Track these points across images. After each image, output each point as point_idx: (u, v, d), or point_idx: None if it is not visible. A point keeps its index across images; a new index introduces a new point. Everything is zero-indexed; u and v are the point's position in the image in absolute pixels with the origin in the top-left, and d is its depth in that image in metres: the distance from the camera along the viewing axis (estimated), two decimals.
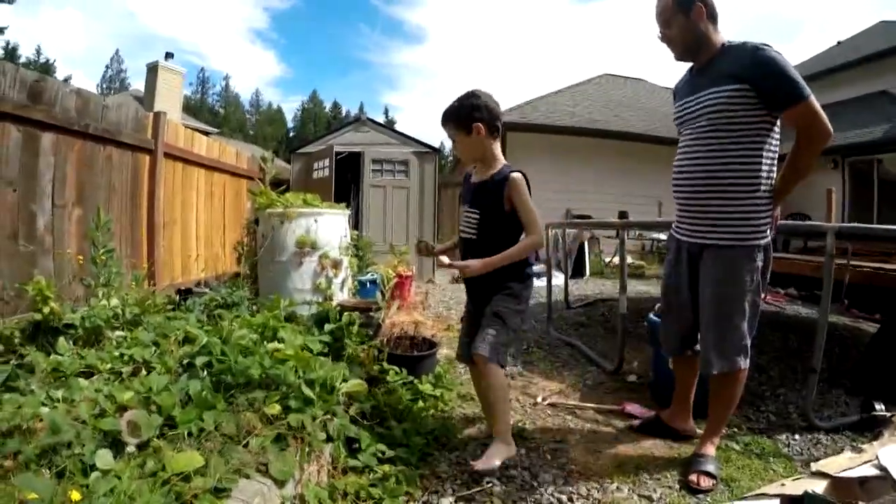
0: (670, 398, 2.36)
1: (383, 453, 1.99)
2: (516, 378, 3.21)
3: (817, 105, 1.79)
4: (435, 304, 5.67)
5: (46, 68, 42.54)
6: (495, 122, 2.07)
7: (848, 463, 1.88)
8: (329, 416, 1.93)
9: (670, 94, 2.30)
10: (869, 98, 11.57)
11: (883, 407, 2.39)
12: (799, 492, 1.69)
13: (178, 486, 1.30)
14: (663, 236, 7.39)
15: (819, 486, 1.75)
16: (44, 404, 1.62)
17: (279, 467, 1.52)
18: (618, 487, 1.92)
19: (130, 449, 1.44)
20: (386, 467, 1.90)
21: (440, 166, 9.92)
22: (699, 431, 2.24)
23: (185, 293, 3.82)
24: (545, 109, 11.68)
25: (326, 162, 7.77)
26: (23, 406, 1.55)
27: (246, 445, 1.58)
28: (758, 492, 1.82)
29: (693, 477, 1.92)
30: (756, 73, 1.81)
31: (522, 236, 2.03)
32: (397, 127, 13.26)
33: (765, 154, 1.89)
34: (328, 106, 72.12)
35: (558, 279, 5.64)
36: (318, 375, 2.09)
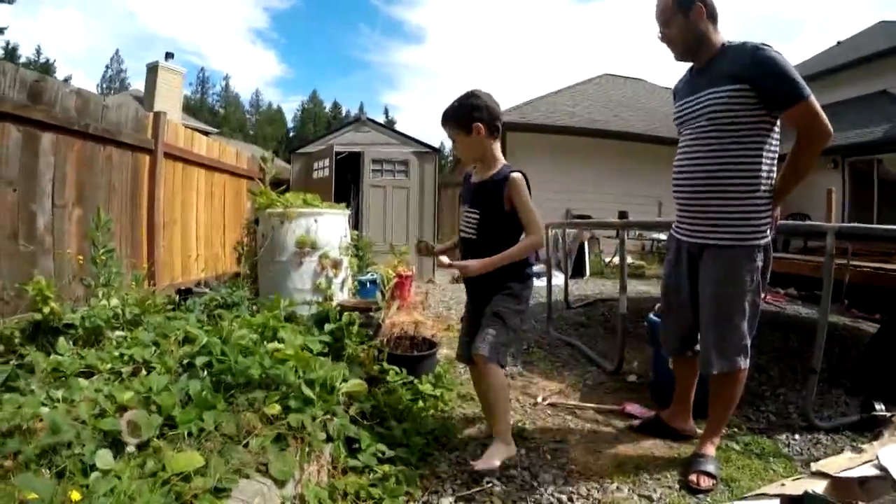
0: (670, 398, 2.36)
1: (383, 453, 1.99)
2: (516, 378, 3.21)
3: (817, 105, 1.79)
4: (435, 304, 5.67)
5: (46, 68, 42.54)
6: (495, 122, 2.07)
7: (848, 463, 1.88)
8: (329, 416, 1.93)
9: (670, 94, 2.30)
10: (869, 98, 11.57)
11: (883, 407, 2.39)
12: (799, 492, 1.69)
13: (178, 486, 1.30)
14: (663, 236, 7.40)
15: (819, 486, 1.75)
16: (44, 404, 1.62)
17: (279, 467, 1.52)
18: (618, 487, 1.92)
19: (130, 449, 1.44)
20: (386, 467, 1.90)
21: (440, 166, 9.92)
22: (699, 431, 2.24)
23: (185, 293, 3.82)
24: (545, 109, 11.69)
25: (326, 162, 7.77)
26: (23, 406, 1.55)
27: (246, 445, 1.58)
28: (758, 492, 1.82)
29: (693, 477, 1.92)
30: (756, 73, 1.81)
31: (522, 236, 2.03)
32: (397, 127, 13.28)
33: (765, 154, 1.89)
34: (328, 106, 72.25)
35: (558, 279, 5.64)
36: (318, 375, 2.09)
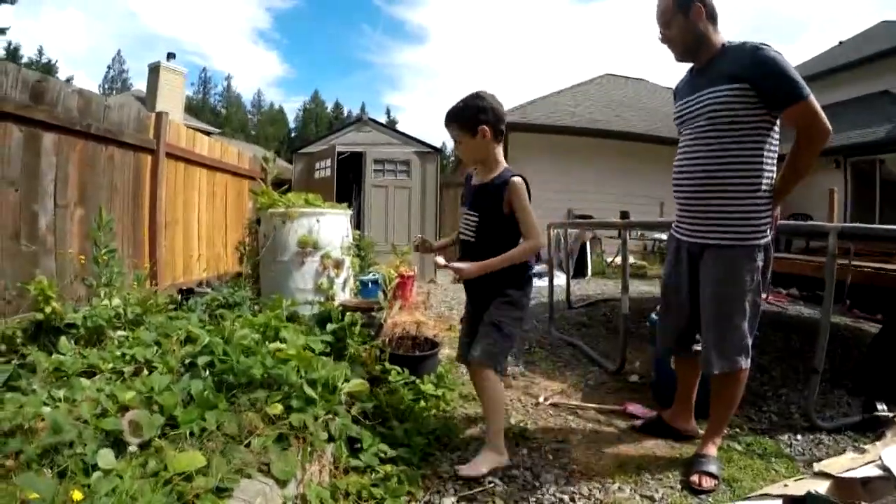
0: (672, 398, 2.36)
1: (385, 453, 1.99)
2: (518, 378, 3.21)
3: (817, 104, 1.79)
4: (437, 304, 5.67)
5: (48, 69, 42.59)
6: (500, 125, 2.05)
7: (850, 463, 1.88)
8: (331, 416, 1.93)
9: (671, 94, 2.30)
10: (871, 98, 11.55)
11: (885, 407, 2.39)
12: (802, 492, 1.68)
13: (180, 485, 1.30)
14: (665, 236, 7.38)
15: (822, 487, 1.74)
16: (45, 404, 1.62)
17: (281, 467, 1.52)
18: (619, 487, 1.91)
19: (132, 449, 1.44)
20: (388, 467, 1.90)
21: (442, 166, 9.92)
22: (701, 432, 2.24)
23: (187, 293, 3.83)
24: (546, 109, 11.68)
25: (328, 162, 7.77)
26: (25, 406, 1.55)
27: (248, 445, 1.58)
28: (760, 492, 1.82)
29: (695, 477, 1.92)
30: (756, 73, 1.82)
31: (521, 240, 2.02)
32: (399, 127, 13.27)
33: (765, 154, 1.89)
34: (330, 106, 72.22)
35: (560, 279, 5.64)
36: (320, 375, 2.09)
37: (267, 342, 2.35)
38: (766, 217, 1.92)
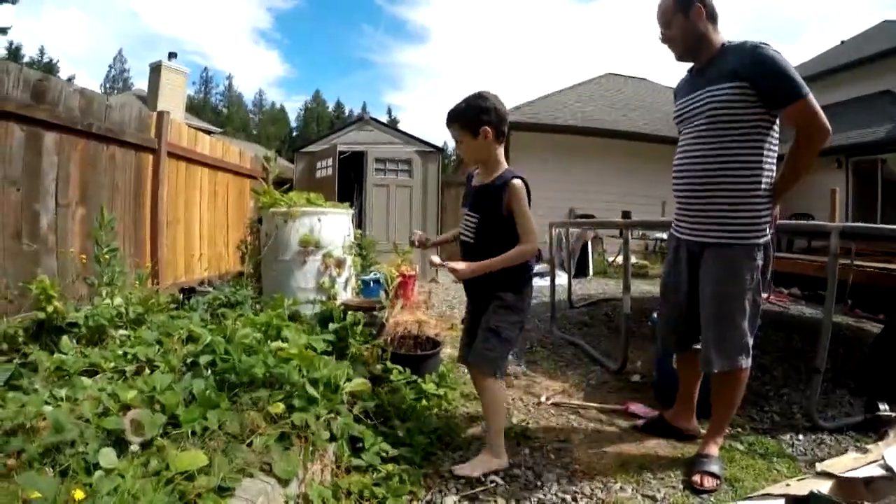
0: (674, 398, 2.36)
1: (387, 452, 1.99)
2: (520, 377, 3.21)
3: (816, 103, 1.79)
4: (438, 304, 5.67)
5: (50, 68, 42.60)
6: (502, 126, 2.03)
7: (853, 463, 1.88)
8: (333, 415, 1.93)
9: (672, 93, 2.30)
10: (872, 98, 11.52)
11: (887, 407, 2.38)
12: (804, 492, 1.68)
13: (182, 484, 1.30)
14: (666, 236, 7.37)
15: (824, 487, 1.74)
16: (47, 403, 1.62)
17: (283, 466, 1.53)
18: (621, 487, 1.91)
19: (134, 448, 1.44)
20: (389, 466, 1.90)
21: (443, 165, 9.91)
22: (703, 431, 2.24)
23: (189, 292, 3.83)
24: (548, 109, 11.66)
25: (330, 161, 7.77)
26: (26, 405, 1.55)
27: (250, 444, 1.58)
28: (762, 492, 1.82)
29: (697, 477, 1.92)
30: (755, 72, 1.82)
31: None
32: (400, 126, 13.24)
33: (764, 153, 1.89)
34: (331, 106, 72.20)
35: (562, 278, 5.63)
36: (321, 374, 2.09)
37: (269, 341, 2.35)
38: (765, 216, 1.92)
